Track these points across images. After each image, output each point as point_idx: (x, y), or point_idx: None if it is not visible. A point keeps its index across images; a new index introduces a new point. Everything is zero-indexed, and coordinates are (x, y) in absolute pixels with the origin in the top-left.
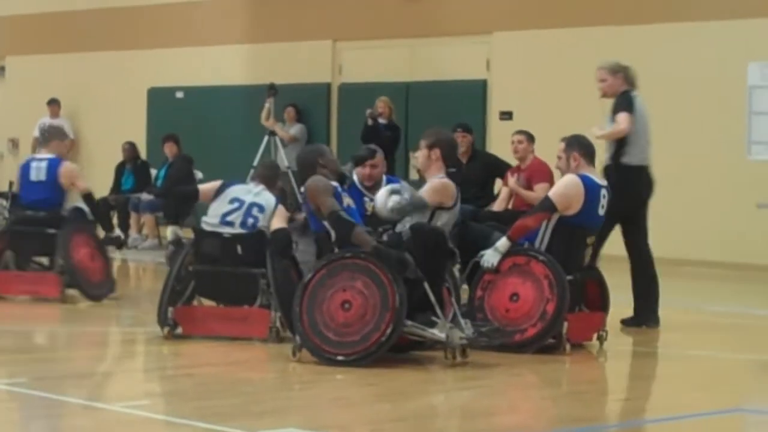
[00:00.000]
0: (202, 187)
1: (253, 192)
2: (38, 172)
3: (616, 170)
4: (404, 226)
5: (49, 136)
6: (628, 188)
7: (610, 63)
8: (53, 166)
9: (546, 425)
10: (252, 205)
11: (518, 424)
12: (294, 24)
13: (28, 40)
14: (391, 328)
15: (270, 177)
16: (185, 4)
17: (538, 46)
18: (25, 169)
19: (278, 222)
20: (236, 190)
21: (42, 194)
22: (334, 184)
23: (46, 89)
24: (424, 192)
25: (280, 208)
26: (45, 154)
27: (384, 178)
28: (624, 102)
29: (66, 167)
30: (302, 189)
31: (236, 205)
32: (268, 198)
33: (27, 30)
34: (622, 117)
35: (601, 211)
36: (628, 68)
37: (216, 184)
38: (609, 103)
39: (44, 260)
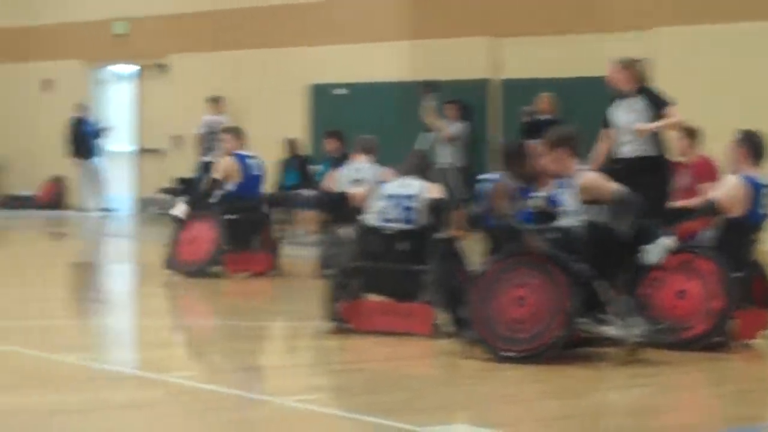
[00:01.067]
0: (352, 191)
1: (403, 185)
2: (255, 168)
3: (663, 165)
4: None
5: (241, 134)
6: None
7: (623, 58)
8: (262, 162)
9: (714, 424)
10: (405, 197)
11: (686, 423)
12: (454, 20)
13: (191, 38)
14: (562, 331)
15: (419, 165)
16: (347, 1)
17: (700, 41)
18: (245, 165)
19: (435, 193)
20: (390, 188)
21: (258, 186)
22: (517, 185)
23: (209, 87)
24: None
25: (432, 184)
26: (249, 152)
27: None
28: (663, 96)
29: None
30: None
31: (392, 201)
32: (415, 183)
33: (189, 28)
34: (675, 110)
35: (762, 210)
36: (641, 63)
37: (369, 186)
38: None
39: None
